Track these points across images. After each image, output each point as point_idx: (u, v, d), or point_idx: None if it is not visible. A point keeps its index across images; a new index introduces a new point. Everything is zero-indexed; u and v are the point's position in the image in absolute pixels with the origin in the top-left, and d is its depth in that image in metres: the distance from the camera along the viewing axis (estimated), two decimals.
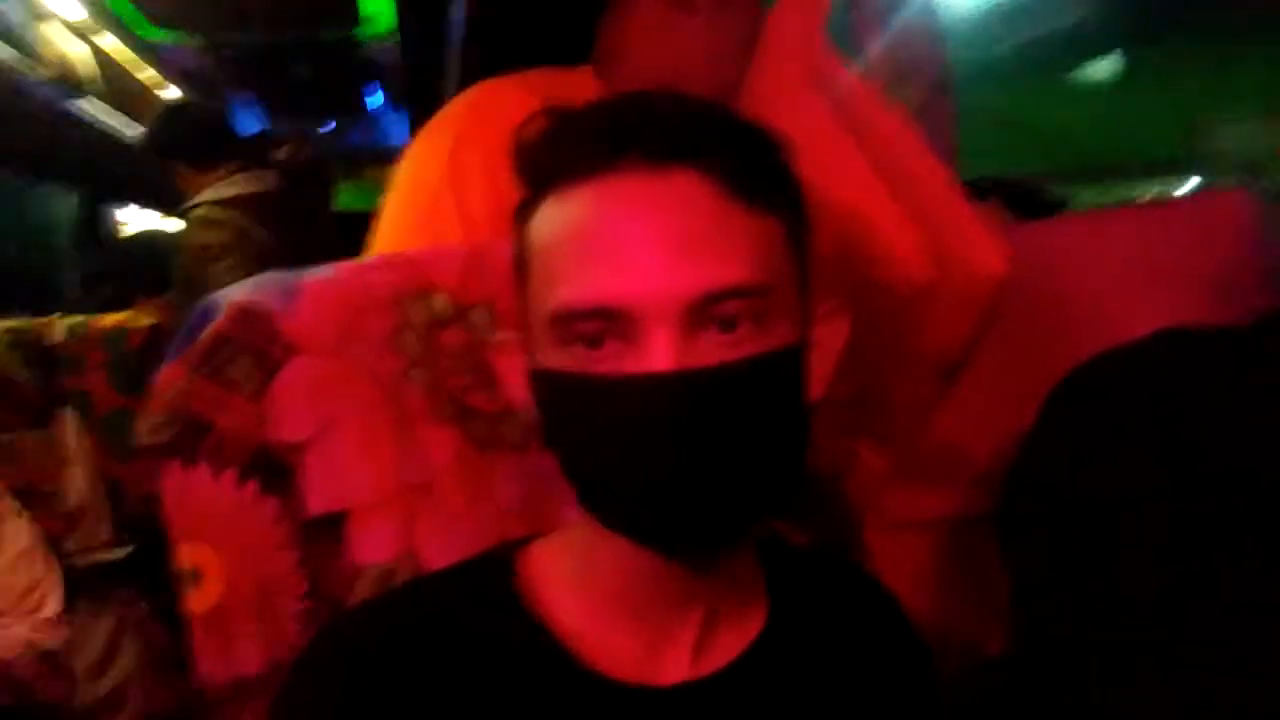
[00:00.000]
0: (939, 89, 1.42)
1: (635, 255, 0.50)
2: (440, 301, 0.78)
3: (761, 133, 0.56)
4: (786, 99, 0.77)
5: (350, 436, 0.72)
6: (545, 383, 0.55)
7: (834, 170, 0.74)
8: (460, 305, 0.78)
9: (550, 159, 0.54)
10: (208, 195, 2.14)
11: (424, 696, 0.55)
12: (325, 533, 0.72)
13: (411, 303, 0.77)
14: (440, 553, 0.71)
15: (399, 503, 0.72)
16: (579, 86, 1.02)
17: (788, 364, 0.53)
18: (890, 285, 0.73)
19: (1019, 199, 1.32)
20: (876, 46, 1.39)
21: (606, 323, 0.50)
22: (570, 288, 0.51)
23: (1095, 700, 0.58)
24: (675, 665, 0.58)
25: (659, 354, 0.49)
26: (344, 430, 0.72)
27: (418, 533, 0.72)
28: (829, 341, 0.58)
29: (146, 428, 0.68)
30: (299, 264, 0.76)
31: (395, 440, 0.73)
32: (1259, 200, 0.87)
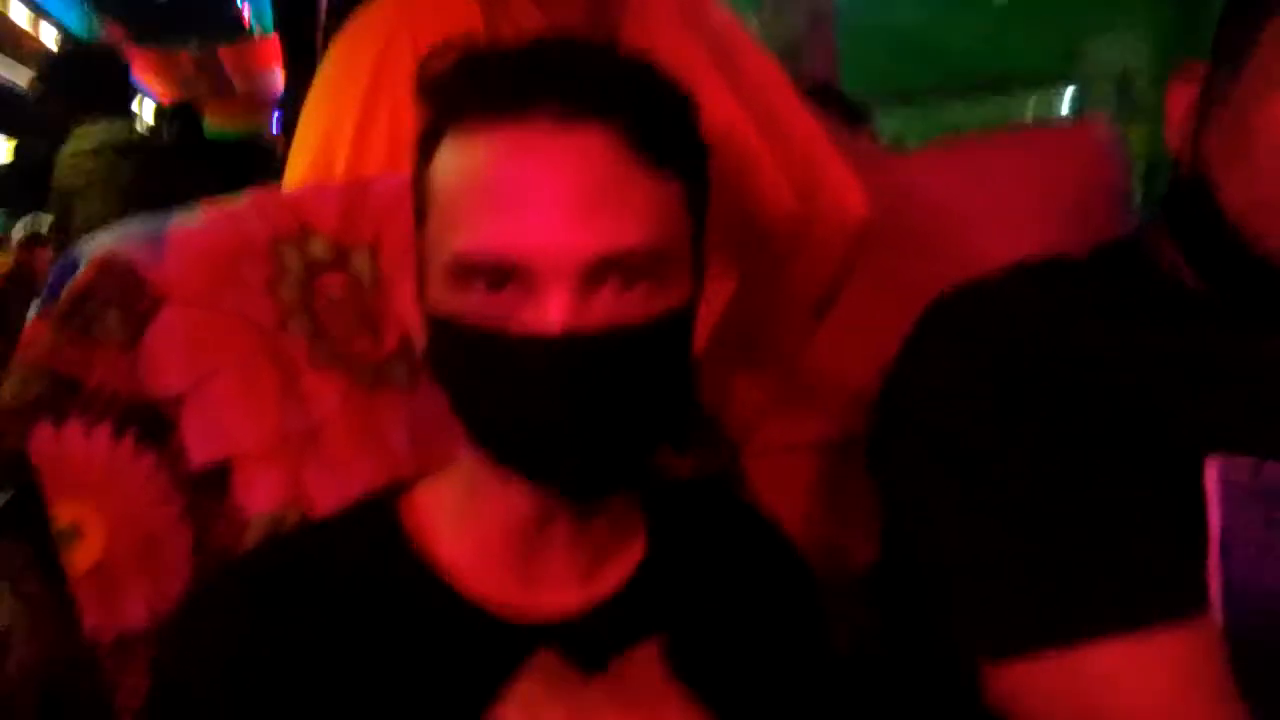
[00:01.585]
0: (820, 16, 1.45)
1: (537, 210, 0.50)
2: (319, 245, 0.77)
3: (673, 95, 0.56)
4: (662, 37, 0.77)
5: (230, 386, 0.71)
6: (439, 328, 0.55)
7: (706, 108, 0.75)
8: (340, 248, 0.77)
9: (460, 96, 0.54)
10: (80, 140, 2.21)
11: (313, 635, 0.56)
12: (210, 484, 0.71)
13: (288, 247, 0.75)
14: (329, 498, 0.71)
15: (284, 451, 0.72)
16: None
17: (677, 324, 0.55)
18: (761, 222, 0.75)
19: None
20: None
21: (504, 273, 0.51)
22: (471, 236, 0.51)
23: (948, 611, 0.63)
24: (559, 598, 0.60)
25: (554, 311, 0.50)
26: (223, 380, 0.71)
27: (305, 480, 0.72)
28: (715, 298, 0.61)
29: (12, 387, 0.66)
30: (170, 203, 0.73)
31: (277, 388, 0.72)
32: (1114, 129, 0.92)
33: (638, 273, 0.52)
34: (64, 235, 2.17)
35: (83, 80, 2.33)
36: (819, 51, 1.46)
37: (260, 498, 0.72)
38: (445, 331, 0.54)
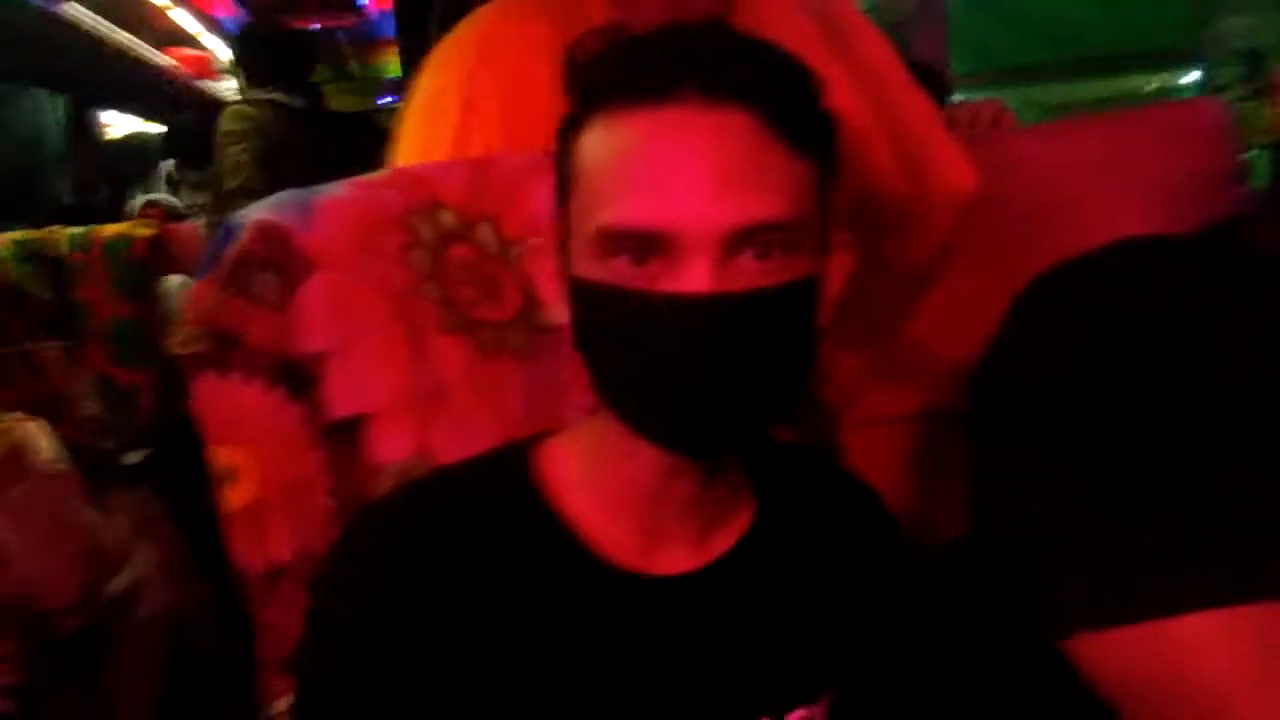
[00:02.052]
0: None
1: (682, 185, 0.53)
2: (448, 217, 0.82)
3: (807, 78, 0.59)
4: (777, 20, 0.80)
5: (368, 347, 0.77)
6: (585, 292, 0.59)
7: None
8: (466, 220, 0.82)
9: (607, 81, 0.58)
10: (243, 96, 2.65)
11: (450, 577, 0.61)
12: (347, 435, 0.77)
13: (420, 219, 0.81)
14: (453, 453, 0.76)
15: (414, 407, 0.78)
16: (590, 8, 1.02)
17: (808, 292, 0.58)
18: (872, 197, 0.77)
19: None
20: None
21: (650, 244, 0.55)
22: (619, 209, 0.55)
23: (1034, 582, 0.64)
24: (676, 557, 0.64)
25: (697, 277, 0.54)
26: (361, 341, 0.77)
27: (432, 434, 0.78)
28: (837, 271, 0.63)
29: (181, 339, 0.74)
30: (309, 162, 0.79)
31: (409, 350, 0.78)
32: (1227, 109, 0.91)
33: (773, 243, 0.55)
34: (216, 181, 2.55)
35: (266, 54, 2.65)
36: (929, 28, 1.45)
37: (391, 449, 0.78)
38: (593, 297, 0.58)
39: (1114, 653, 0.60)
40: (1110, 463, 0.62)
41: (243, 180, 2.42)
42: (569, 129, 0.60)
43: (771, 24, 0.80)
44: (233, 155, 2.46)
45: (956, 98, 1.57)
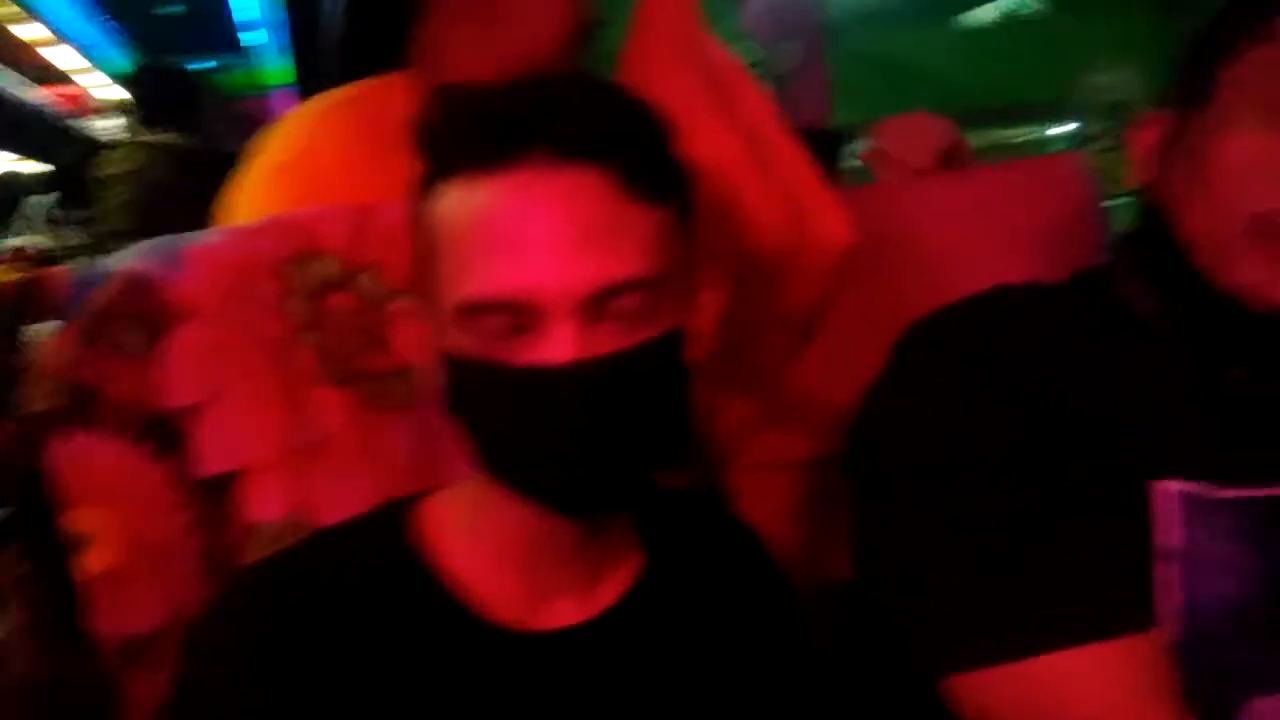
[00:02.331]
0: (815, 43, 1.49)
1: (537, 251, 0.53)
2: (329, 265, 0.80)
3: (656, 125, 0.59)
4: (661, 72, 0.81)
5: (240, 399, 0.74)
6: (453, 365, 0.58)
7: (704, 142, 0.78)
8: (349, 268, 0.80)
9: (454, 147, 0.56)
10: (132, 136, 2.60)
11: (326, 641, 0.58)
12: (219, 494, 0.74)
13: (298, 266, 0.79)
14: (332, 510, 0.74)
15: (290, 462, 0.75)
16: (396, 97, 0.99)
17: (675, 342, 0.58)
18: (752, 249, 0.79)
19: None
20: (755, 8, 1.43)
21: (512, 314, 0.54)
22: (477, 281, 0.54)
23: (911, 623, 0.66)
24: (561, 611, 0.63)
25: (561, 345, 0.53)
26: (234, 393, 0.74)
27: (310, 491, 0.75)
28: (709, 306, 0.63)
29: (37, 395, 0.69)
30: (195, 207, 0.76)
31: (285, 403, 0.76)
32: (1086, 161, 0.96)
33: (636, 300, 0.55)
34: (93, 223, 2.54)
35: (156, 96, 2.63)
36: (812, 80, 1.50)
37: (266, 507, 0.75)
38: (461, 370, 0.57)
39: (987, 692, 0.62)
40: (979, 505, 0.64)
41: (122, 224, 2.34)
42: (422, 195, 0.58)
43: (656, 78, 0.81)
44: (113, 198, 2.42)
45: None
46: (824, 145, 1.35)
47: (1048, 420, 0.67)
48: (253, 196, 0.96)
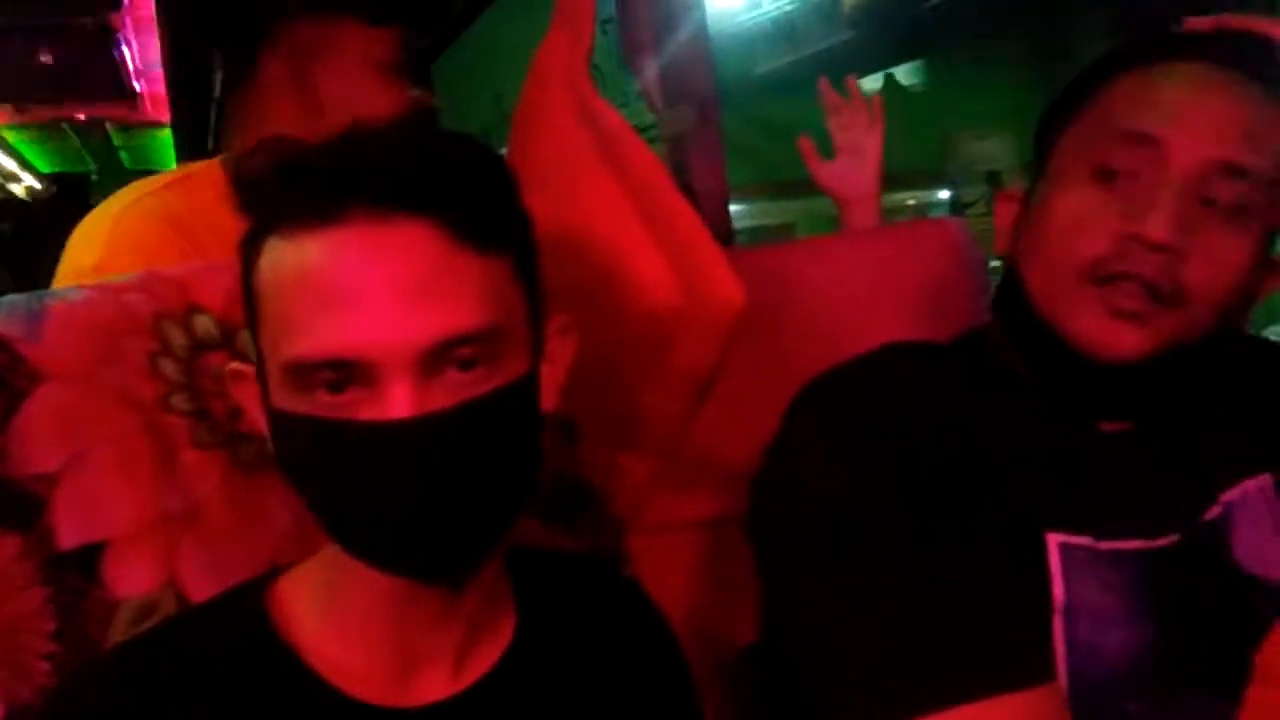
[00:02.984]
0: (710, 106, 1.52)
1: (367, 307, 0.50)
2: (205, 323, 0.76)
3: (488, 171, 0.57)
4: (553, 133, 0.81)
5: (104, 465, 0.69)
6: (285, 426, 0.55)
7: (596, 204, 0.79)
8: (226, 327, 0.77)
9: (276, 201, 0.54)
10: None
11: None
12: (78, 568, 0.68)
13: (173, 324, 0.75)
14: (206, 581, 0.70)
15: (159, 532, 0.70)
16: (208, 186, 0.98)
17: (522, 391, 0.56)
18: (644, 310, 0.79)
19: None
20: (651, 70, 1.46)
21: (344, 372, 0.51)
22: (304, 340, 0.51)
23: (813, 682, 0.65)
24: (431, 684, 0.60)
25: (398, 401, 0.51)
26: (97, 460, 0.69)
27: (181, 561, 0.71)
28: (561, 355, 0.61)
29: None
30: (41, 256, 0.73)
31: (155, 468, 0.71)
32: (966, 225, 1.01)
33: (476, 352, 0.53)
34: None
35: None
36: (706, 142, 1.52)
37: (132, 581, 0.70)
38: (293, 430, 0.54)
39: None
40: (875, 563, 0.65)
41: None
42: (247, 250, 0.56)
43: (547, 136, 0.82)
44: None
45: (734, 208, 1.66)
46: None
47: (936, 477, 0.68)
48: None
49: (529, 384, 0.57)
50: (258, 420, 0.59)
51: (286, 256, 0.53)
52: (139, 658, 0.59)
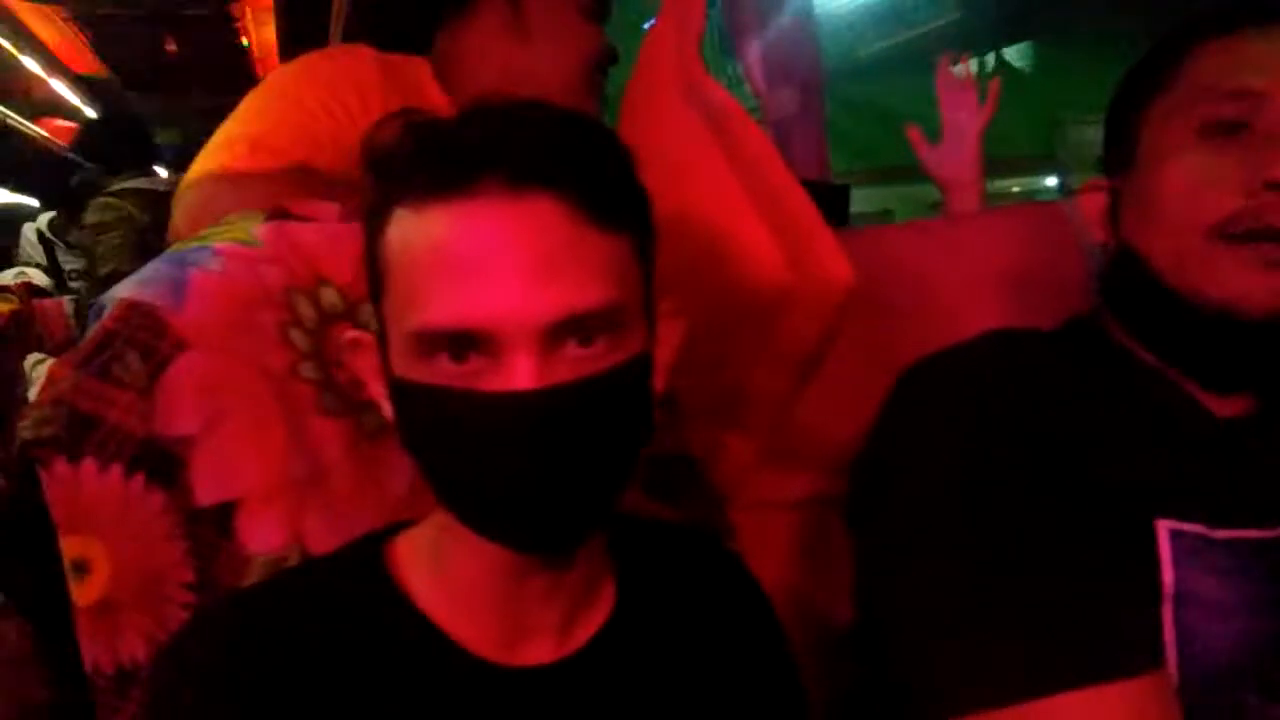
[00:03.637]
0: (813, 90, 1.51)
1: (496, 279, 0.51)
2: (331, 295, 0.80)
3: (615, 151, 0.58)
4: (663, 114, 0.82)
5: (238, 430, 0.74)
6: (407, 394, 0.56)
7: (705, 183, 0.80)
8: (350, 300, 0.80)
9: (409, 171, 0.55)
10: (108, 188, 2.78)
11: (300, 673, 0.57)
12: (214, 524, 0.73)
13: (302, 296, 0.79)
14: (329, 542, 0.73)
15: (287, 494, 0.74)
16: (419, 77, 1.10)
17: (638, 370, 0.57)
18: (752, 288, 0.79)
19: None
20: (754, 53, 1.46)
21: (469, 343, 0.53)
22: (433, 309, 0.52)
23: (912, 665, 0.65)
24: (537, 648, 0.62)
25: (521, 373, 0.52)
26: (232, 424, 0.74)
27: (306, 523, 0.75)
28: (669, 338, 0.62)
29: (31, 422, 0.69)
30: None
31: (284, 433, 0.75)
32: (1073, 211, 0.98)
33: (596, 328, 0.54)
34: (89, 276, 2.67)
35: (111, 147, 2.82)
36: (809, 127, 1.52)
37: (262, 538, 0.74)
38: (414, 398, 0.55)
39: None
40: (982, 546, 0.64)
41: (116, 265, 2.44)
42: (374, 220, 0.57)
43: (658, 118, 0.83)
44: (105, 243, 2.58)
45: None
46: (830, 198, 1.40)
47: (1047, 463, 0.67)
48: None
49: (645, 363, 0.58)
50: (375, 389, 0.61)
51: (417, 227, 0.54)
52: (263, 600, 0.62)
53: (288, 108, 1.03)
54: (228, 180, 0.99)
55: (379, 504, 0.78)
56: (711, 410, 0.82)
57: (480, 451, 0.54)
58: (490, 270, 0.52)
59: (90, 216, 2.64)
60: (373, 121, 0.97)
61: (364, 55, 1.07)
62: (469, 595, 0.61)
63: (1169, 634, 0.64)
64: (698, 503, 0.84)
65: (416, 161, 0.55)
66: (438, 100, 1.09)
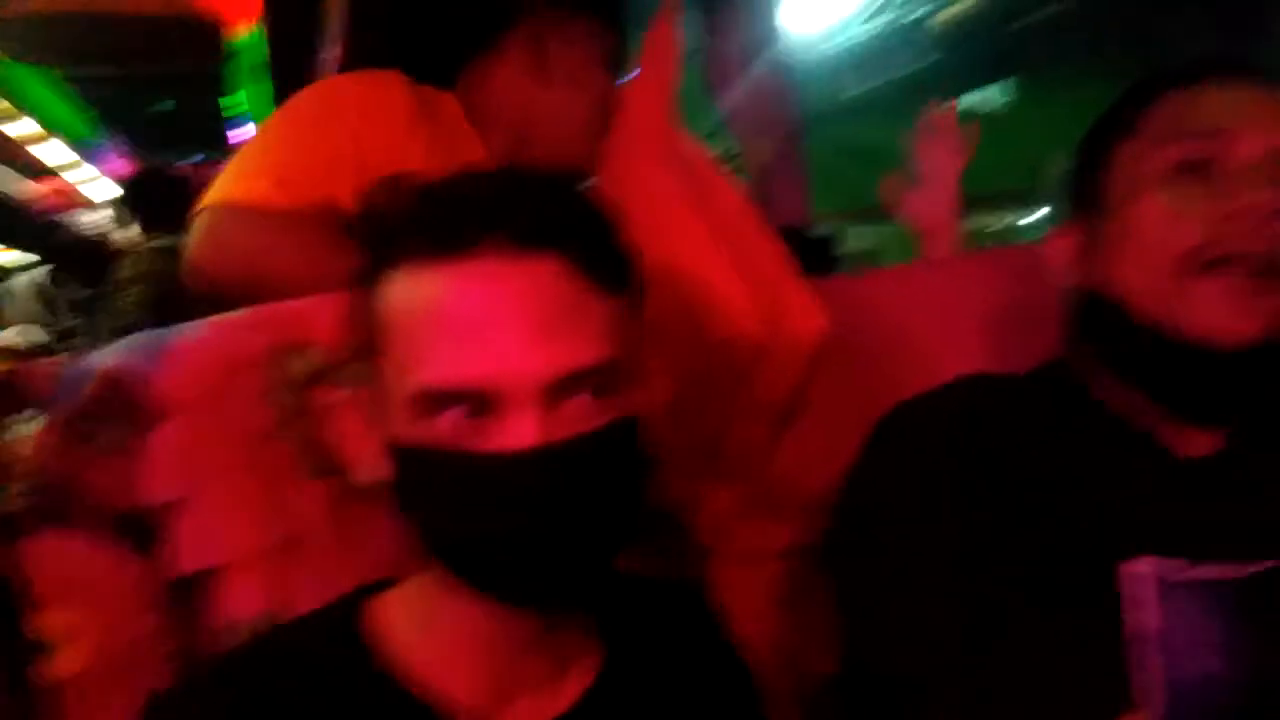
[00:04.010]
0: (793, 138, 1.53)
1: (498, 339, 0.53)
2: (316, 356, 0.80)
3: (608, 216, 0.60)
4: (639, 172, 0.84)
5: (219, 496, 0.74)
6: (407, 455, 0.56)
7: (681, 238, 0.81)
8: (335, 360, 0.81)
9: (409, 232, 0.56)
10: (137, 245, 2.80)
11: None
12: (194, 592, 0.73)
13: (286, 358, 0.79)
14: (312, 606, 0.73)
15: (268, 559, 0.74)
16: (449, 110, 1.13)
17: (632, 428, 0.58)
18: (729, 342, 0.80)
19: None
20: (733, 102, 1.48)
21: (472, 402, 0.53)
22: (435, 368, 0.53)
23: (899, 712, 0.65)
24: (524, 708, 0.61)
25: (523, 432, 0.53)
26: (213, 490, 0.74)
27: (289, 587, 0.74)
28: (656, 394, 0.63)
29: (16, 492, 0.69)
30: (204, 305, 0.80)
31: (265, 497, 0.75)
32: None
33: (594, 386, 0.55)
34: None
35: (152, 200, 2.80)
36: (790, 170, 1.54)
37: (242, 605, 0.74)
38: (415, 460, 0.56)
39: None
40: (952, 594, 0.64)
41: (128, 321, 2.44)
42: (369, 282, 0.58)
43: (633, 172, 0.84)
44: (127, 299, 2.59)
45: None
46: (816, 247, 1.42)
47: (1020, 509, 0.68)
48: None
49: (635, 422, 0.59)
50: (358, 450, 0.61)
51: (419, 288, 0.55)
52: (235, 669, 0.62)
53: (316, 139, 1.04)
54: (247, 214, 1.00)
55: (363, 565, 0.77)
56: (691, 462, 0.83)
57: (484, 511, 0.54)
58: (493, 330, 0.53)
59: (120, 270, 2.64)
60: (403, 150, 1.01)
61: (396, 82, 1.08)
62: (456, 654, 0.61)
63: (1153, 674, 0.64)
64: (677, 556, 0.84)
65: (417, 223, 0.56)
66: (466, 132, 1.12)
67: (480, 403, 0.53)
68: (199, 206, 1.03)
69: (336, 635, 0.62)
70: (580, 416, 0.55)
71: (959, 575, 0.65)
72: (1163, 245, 0.69)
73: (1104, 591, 0.65)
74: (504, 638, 0.60)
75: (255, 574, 0.74)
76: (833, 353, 0.82)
